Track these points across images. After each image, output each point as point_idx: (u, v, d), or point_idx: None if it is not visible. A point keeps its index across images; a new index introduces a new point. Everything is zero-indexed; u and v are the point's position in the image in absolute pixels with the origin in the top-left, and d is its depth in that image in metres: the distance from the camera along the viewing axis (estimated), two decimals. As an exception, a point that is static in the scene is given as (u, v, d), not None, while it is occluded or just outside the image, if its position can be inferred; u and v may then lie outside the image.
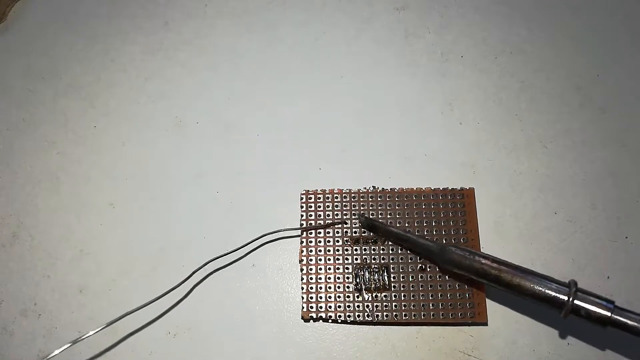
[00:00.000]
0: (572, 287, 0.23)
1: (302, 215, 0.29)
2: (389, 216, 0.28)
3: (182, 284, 0.27)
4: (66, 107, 0.33)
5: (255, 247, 0.29)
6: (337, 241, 0.28)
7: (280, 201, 0.29)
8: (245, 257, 0.29)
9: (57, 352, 0.24)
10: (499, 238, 0.28)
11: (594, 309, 0.22)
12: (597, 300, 0.23)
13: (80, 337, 0.24)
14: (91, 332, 0.25)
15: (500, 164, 0.30)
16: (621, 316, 0.22)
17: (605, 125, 0.30)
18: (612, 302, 0.23)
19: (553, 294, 0.23)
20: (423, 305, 0.26)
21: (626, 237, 0.28)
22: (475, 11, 0.34)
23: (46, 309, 0.28)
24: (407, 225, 0.28)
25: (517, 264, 0.24)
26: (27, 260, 0.29)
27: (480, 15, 0.34)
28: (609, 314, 0.22)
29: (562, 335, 0.26)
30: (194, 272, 0.27)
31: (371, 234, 0.28)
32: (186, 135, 0.32)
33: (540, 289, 0.23)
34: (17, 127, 0.32)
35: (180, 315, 0.27)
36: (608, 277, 0.27)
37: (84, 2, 0.36)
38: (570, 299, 0.23)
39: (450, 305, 0.26)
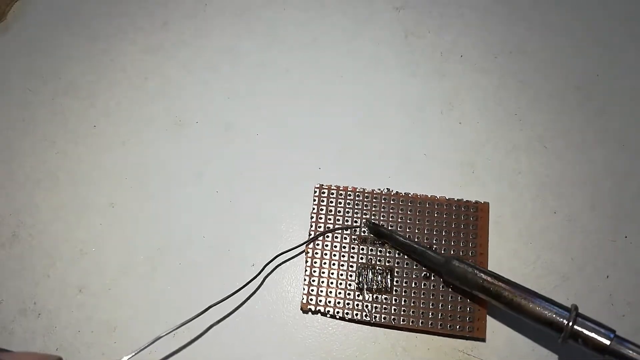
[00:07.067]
0: (572, 312, 0.23)
1: (313, 209, 0.29)
2: (399, 220, 0.28)
3: (254, 279, 0.27)
4: (66, 107, 0.33)
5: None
6: (345, 238, 0.28)
7: (280, 200, 0.29)
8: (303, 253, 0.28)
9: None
10: (499, 238, 0.28)
11: (592, 336, 0.22)
12: (596, 327, 0.22)
13: (147, 344, 0.25)
14: (160, 334, 0.25)
15: (500, 164, 0.30)
16: (620, 346, 0.22)
17: (605, 125, 0.30)
18: (613, 331, 0.22)
19: (553, 316, 0.23)
20: (422, 312, 0.26)
21: (626, 237, 0.28)
22: (475, 11, 0.34)
23: (46, 309, 0.28)
24: (417, 231, 0.28)
25: (521, 284, 0.24)
26: (27, 260, 0.29)
27: (480, 15, 0.34)
28: (607, 342, 0.22)
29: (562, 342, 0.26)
30: (265, 267, 0.27)
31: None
32: (186, 135, 0.32)
33: (541, 310, 0.23)
34: (17, 127, 0.32)
35: (180, 314, 0.27)
36: (608, 277, 0.27)
37: (84, 2, 0.36)
38: (570, 324, 0.22)
39: (449, 316, 0.26)
